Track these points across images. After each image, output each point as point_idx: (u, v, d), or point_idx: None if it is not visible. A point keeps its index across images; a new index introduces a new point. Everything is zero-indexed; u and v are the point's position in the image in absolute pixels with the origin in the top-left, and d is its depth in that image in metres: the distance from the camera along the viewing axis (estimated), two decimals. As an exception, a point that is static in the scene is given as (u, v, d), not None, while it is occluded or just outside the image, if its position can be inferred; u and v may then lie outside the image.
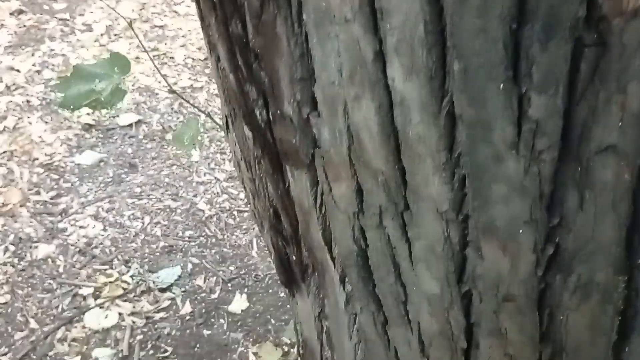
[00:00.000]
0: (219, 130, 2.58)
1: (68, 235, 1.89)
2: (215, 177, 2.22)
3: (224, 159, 2.31)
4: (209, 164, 2.28)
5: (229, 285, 1.80)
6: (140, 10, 3.21)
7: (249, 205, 0.77)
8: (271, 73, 0.54)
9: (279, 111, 0.56)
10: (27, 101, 2.41)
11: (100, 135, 2.31)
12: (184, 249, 1.90)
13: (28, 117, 2.32)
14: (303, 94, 0.53)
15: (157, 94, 2.61)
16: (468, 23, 0.40)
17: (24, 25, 2.90)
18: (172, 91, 1.05)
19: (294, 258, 0.68)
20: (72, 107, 0.75)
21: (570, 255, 0.45)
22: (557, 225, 0.45)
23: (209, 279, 1.80)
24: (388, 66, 0.46)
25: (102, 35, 2.92)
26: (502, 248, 0.47)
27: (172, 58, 2.87)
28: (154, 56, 2.85)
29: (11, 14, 2.98)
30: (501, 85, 0.42)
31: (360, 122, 0.50)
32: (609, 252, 0.44)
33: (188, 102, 1.27)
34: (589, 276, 0.46)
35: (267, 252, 0.83)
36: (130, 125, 2.39)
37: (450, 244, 0.49)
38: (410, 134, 0.48)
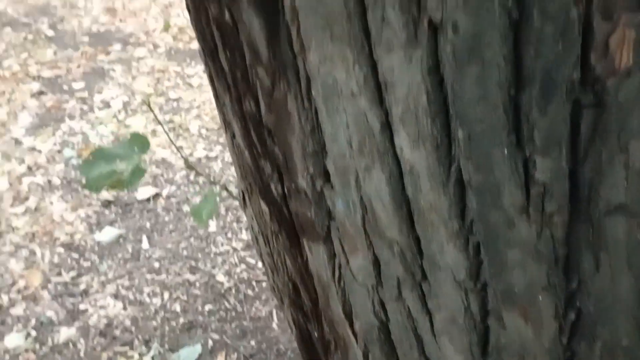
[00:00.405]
0: (235, 198, 2.61)
1: (89, 317, 1.89)
2: (232, 247, 2.22)
3: (240, 228, 2.32)
4: (226, 233, 2.29)
5: (251, 360, 1.77)
6: (156, 84, 3.35)
7: (267, 279, 0.77)
8: (284, 148, 0.55)
9: (293, 185, 0.57)
10: (49, 181, 2.48)
11: (119, 211, 2.35)
12: (204, 325, 1.88)
13: (49, 197, 2.38)
14: (316, 167, 0.54)
15: (173, 165, 2.67)
16: (468, 91, 0.42)
17: (45, 106, 3.03)
18: (189, 166, 1.07)
19: (316, 334, 0.67)
20: (95, 188, 0.77)
21: (593, 320, 0.44)
22: (576, 289, 0.44)
23: (230, 356, 1.77)
24: (395, 136, 0.47)
25: (119, 111, 3.03)
26: (524, 316, 0.46)
27: (187, 129, 2.95)
28: (169, 128, 2.93)
29: (32, 95, 3.12)
30: (505, 150, 0.43)
31: (372, 192, 0.51)
32: (632, 315, 0.43)
33: (202, 174, 1.29)
34: (615, 341, 0.44)
35: (288, 324, 0.82)
36: (148, 199, 2.43)
37: (471, 315, 0.48)
38: (422, 203, 0.48)
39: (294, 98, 0.50)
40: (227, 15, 0.50)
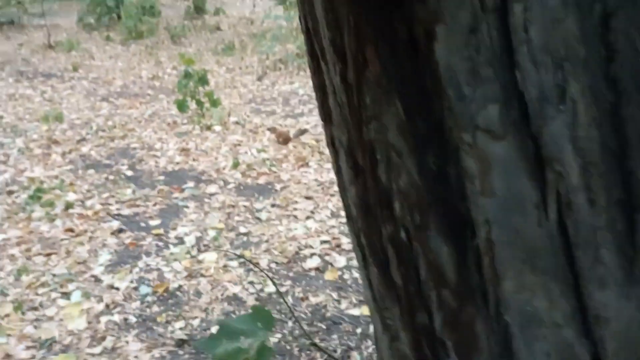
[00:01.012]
0: (307, 338, 2.54)
1: None
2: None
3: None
4: (300, 375, 2.19)
5: None
6: (226, 219, 3.46)
7: None
8: None
9: None
10: (125, 319, 2.50)
11: (192, 351, 2.31)
12: None
13: (125, 336, 2.38)
14: None
15: (244, 301, 2.65)
16: None
17: (123, 243, 3.15)
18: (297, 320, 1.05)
19: None
20: None
21: None
22: None
23: None
24: None
25: (192, 247, 3.11)
26: None
27: (258, 264, 2.97)
28: (240, 263, 2.97)
29: (112, 233, 3.27)
30: None
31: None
32: None
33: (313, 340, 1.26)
34: None
35: None
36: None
37: None
38: None
39: (483, 321, 0.49)
40: (402, 235, 0.51)
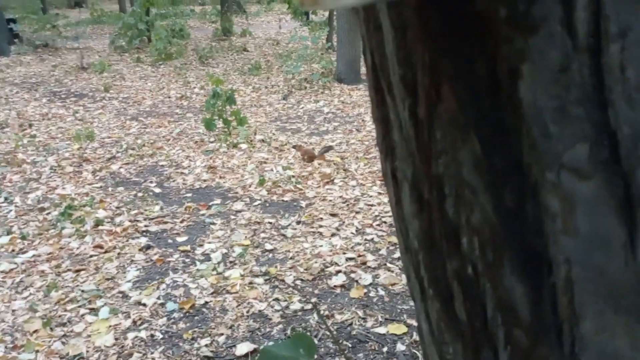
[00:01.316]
0: (333, 356, 2.50)
1: None
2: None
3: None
4: (327, 394, 2.15)
5: None
6: (252, 236, 3.46)
7: None
8: None
9: None
10: (152, 335, 2.50)
11: (218, 368, 2.30)
12: None
13: (152, 353, 2.38)
14: None
15: (270, 319, 2.64)
16: None
17: (151, 260, 3.18)
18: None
19: None
20: None
21: None
22: None
23: None
24: None
25: (218, 263, 3.12)
26: None
27: (283, 281, 2.96)
28: (265, 280, 2.96)
29: (140, 249, 3.30)
30: None
31: None
32: None
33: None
34: None
35: None
36: (246, 354, 2.37)
37: None
38: None
39: None
40: (470, 270, 0.50)
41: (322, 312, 2.68)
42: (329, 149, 4.92)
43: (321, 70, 8.72)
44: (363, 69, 8.50)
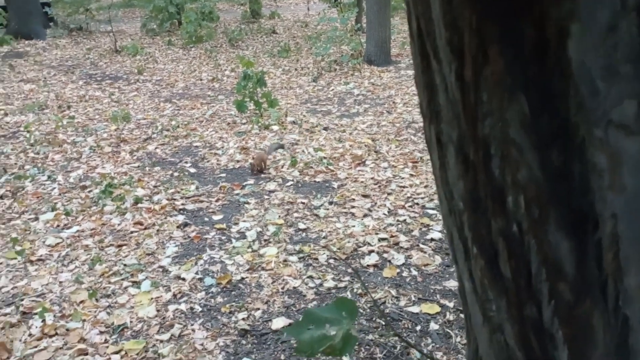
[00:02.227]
0: (367, 332, 2.55)
1: None
2: (369, 383, 2.12)
3: (375, 362, 2.23)
4: (361, 368, 2.21)
5: None
6: (286, 216, 3.53)
7: None
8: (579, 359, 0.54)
9: None
10: (191, 308, 2.60)
11: (255, 341, 2.38)
12: None
13: (191, 325, 2.48)
14: None
15: (304, 295, 2.70)
16: None
17: (189, 237, 3.28)
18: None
19: None
20: (308, 353, 0.79)
21: None
22: None
23: None
24: None
25: (253, 241, 3.20)
26: None
27: (316, 259, 3.02)
28: (299, 258, 3.02)
29: (178, 227, 3.40)
30: None
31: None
32: None
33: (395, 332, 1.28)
34: None
35: None
36: (282, 328, 2.44)
37: None
38: None
39: (600, 315, 0.50)
40: (515, 229, 0.53)
41: (355, 290, 2.74)
42: (280, 146, 4.69)
43: (351, 52, 8.68)
44: (393, 50, 8.44)
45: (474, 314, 0.66)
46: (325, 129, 5.18)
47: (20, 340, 2.41)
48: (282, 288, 2.76)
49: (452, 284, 2.75)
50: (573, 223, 0.49)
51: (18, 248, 3.16)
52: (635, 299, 0.47)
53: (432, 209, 3.51)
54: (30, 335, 2.45)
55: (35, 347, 2.37)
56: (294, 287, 2.77)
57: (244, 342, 2.39)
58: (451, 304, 2.59)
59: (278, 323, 2.49)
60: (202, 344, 2.36)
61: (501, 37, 0.47)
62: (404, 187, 3.88)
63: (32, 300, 2.69)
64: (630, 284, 0.47)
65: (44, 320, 2.52)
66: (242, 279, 2.84)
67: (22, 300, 2.68)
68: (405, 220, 3.41)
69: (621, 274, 0.47)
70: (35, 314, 2.57)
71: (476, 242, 0.58)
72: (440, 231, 3.27)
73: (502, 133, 0.50)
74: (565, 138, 0.47)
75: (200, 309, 2.60)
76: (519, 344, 0.57)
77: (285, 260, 3.00)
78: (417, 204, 3.61)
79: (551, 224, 0.50)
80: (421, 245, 3.11)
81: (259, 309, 2.60)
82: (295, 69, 8.20)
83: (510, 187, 0.52)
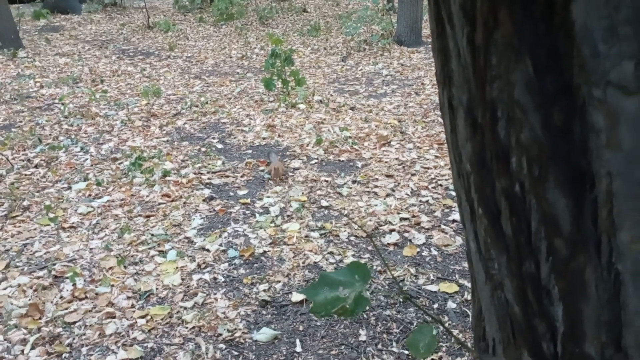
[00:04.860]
0: (384, 308, 2.60)
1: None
2: (382, 359, 2.17)
3: (390, 340, 2.28)
4: (376, 344, 2.26)
5: None
6: (309, 193, 3.57)
7: None
8: (573, 314, 0.56)
9: (578, 350, 0.57)
10: (214, 278, 2.68)
11: (275, 312, 2.45)
12: None
13: (214, 294, 2.56)
14: (608, 335, 0.54)
15: (324, 270, 2.75)
16: None
17: (214, 210, 3.36)
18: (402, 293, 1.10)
19: None
20: (322, 312, 0.83)
21: None
22: None
23: None
24: None
25: (277, 216, 3.26)
26: None
27: (337, 236, 3.06)
28: (320, 235, 3.07)
29: (204, 200, 3.49)
30: None
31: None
32: None
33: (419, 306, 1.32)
34: None
35: None
36: (301, 301, 2.50)
37: None
38: None
39: (593, 269, 0.52)
40: (517, 188, 0.55)
41: (375, 267, 2.77)
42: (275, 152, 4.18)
43: (381, 32, 8.59)
44: (425, 32, 8.31)
45: (478, 274, 0.68)
46: (352, 108, 5.18)
47: (51, 302, 2.53)
48: (303, 262, 2.82)
49: (472, 265, 2.76)
50: (571, 181, 0.50)
51: (51, 215, 3.29)
52: (627, 254, 0.49)
53: (456, 190, 3.50)
54: (61, 297, 2.57)
55: (66, 309, 2.49)
56: (315, 262, 2.82)
57: (264, 312, 2.46)
58: (470, 284, 2.61)
59: (298, 296, 2.55)
60: (224, 312, 2.44)
61: (511, 0, 0.49)
62: (428, 168, 3.88)
63: (64, 265, 2.81)
64: (622, 240, 0.49)
65: (74, 284, 2.64)
66: (265, 252, 2.91)
67: (54, 264, 2.81)
68: (427, 200, 3.41)
69: (614, 230, 0.49)
70: (67, 278, 2.69)
71: (481, 202, 0.60)
72: (462, 213, 3.27)
73: (508, 95, 0.52)
74: (568, 100, 0.48)
75: (223, 280, 2.68)
76: (517, 299, 0.59)
77: (306, 236, 3.05)
78: (441, 185, 3.61)
79: (550, 181, 0.51)
80: (442, 226, 3.12)
81: (279, 281, 2.66)
82: (325, 48, 8.17)
83: (514, 148, 0.54)
